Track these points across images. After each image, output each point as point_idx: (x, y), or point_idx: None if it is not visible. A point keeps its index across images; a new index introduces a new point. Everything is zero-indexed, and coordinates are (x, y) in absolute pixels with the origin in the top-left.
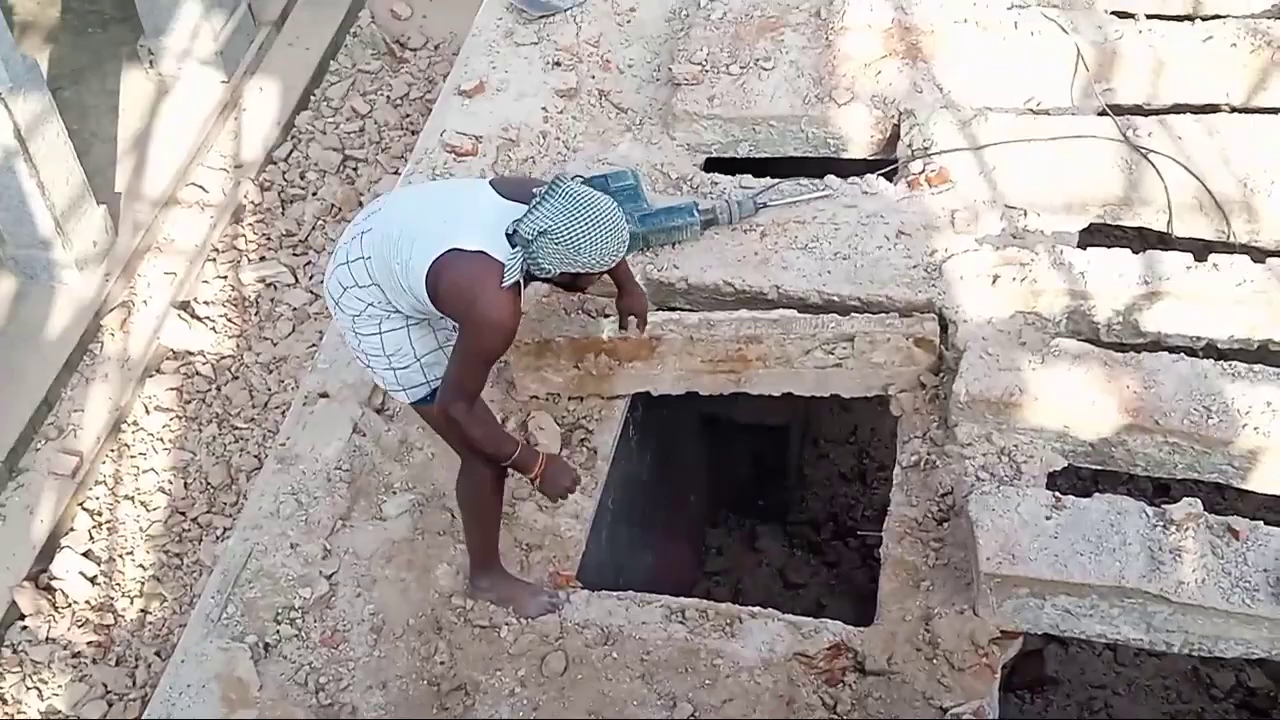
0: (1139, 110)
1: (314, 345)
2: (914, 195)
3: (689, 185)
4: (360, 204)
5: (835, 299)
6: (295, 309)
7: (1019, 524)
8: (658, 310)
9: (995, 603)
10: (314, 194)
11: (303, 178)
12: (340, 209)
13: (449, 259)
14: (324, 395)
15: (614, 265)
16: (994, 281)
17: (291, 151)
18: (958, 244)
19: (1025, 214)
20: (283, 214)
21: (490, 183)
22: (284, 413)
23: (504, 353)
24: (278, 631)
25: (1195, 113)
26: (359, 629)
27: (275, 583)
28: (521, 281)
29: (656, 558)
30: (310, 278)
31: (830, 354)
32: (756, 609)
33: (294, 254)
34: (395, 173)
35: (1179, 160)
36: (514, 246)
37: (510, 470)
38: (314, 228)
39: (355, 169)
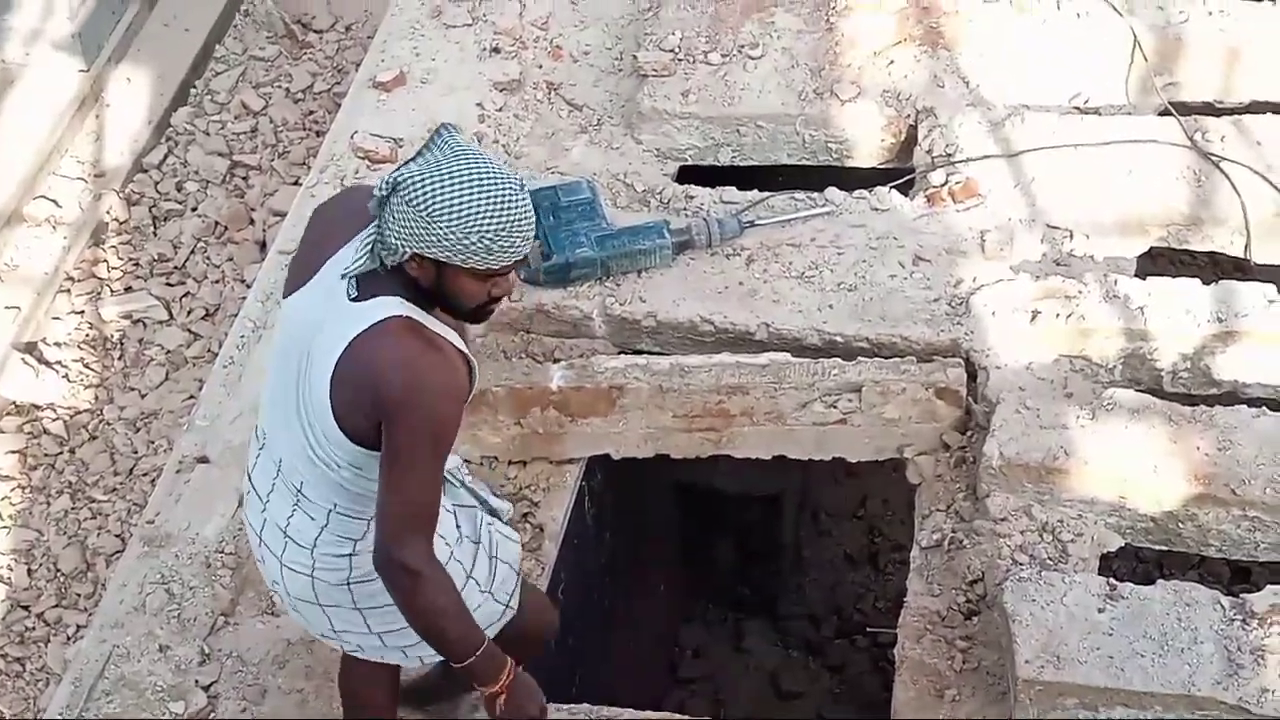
0: (1209, 109)
1: (191, 397)
2: (935, 212)
3: (658, 199)
4: (252, 221)
5: (838, 340)
6: (169, 352)
7: (1065, 618)
8: (619, 353)
9: (1037, 716)
10: (194, 209)
11: (180, 189)
12: (226, 228)
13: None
14: (203, 460)
15: (505, 264)
16: (1033, 319)
17: (166, 157)
18: (989, 272)
19: (1071, 236)
20: (155, 234)
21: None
22: (153, 481)
23: (451, 432)
24: None
25: (1278, 112)
26: None
27: (140, 695)
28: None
29: (618, 661)
30: (188, 313)
31: (832, 408)
32: None
33: (167, 284)
34: (295, 183)
35: (1258, 170)
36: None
37: (452, 677)
38: (193, 251)
39: (246, 178)
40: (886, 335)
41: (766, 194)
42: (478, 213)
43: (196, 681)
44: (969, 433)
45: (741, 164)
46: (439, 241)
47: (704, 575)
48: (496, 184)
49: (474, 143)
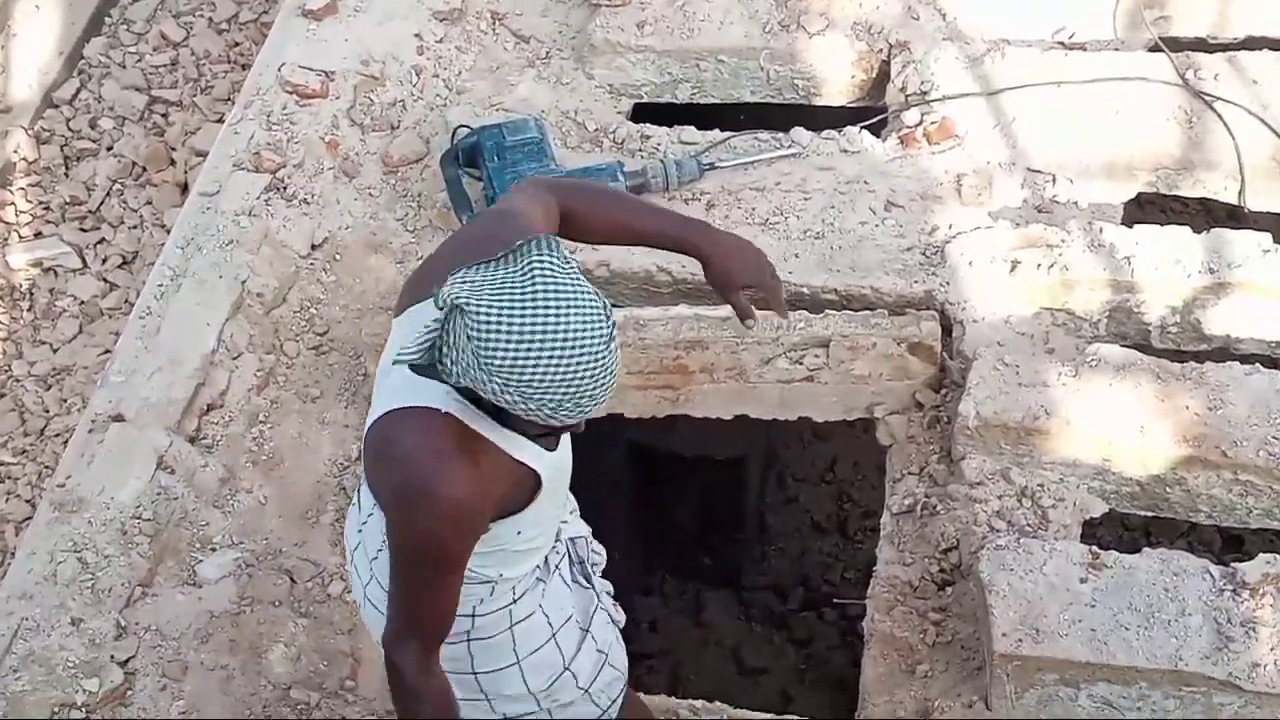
0: (1202, 45)
1: (107, 352)
2: (909, 155)
3: (611, 139)
4: (172, 161)
5: (805, 291)
6: (82, 303)
7: (1045, 589)
8: None
9: (1014, 693)
10: (109, 149)
11: (94, 127)
12: (145, 169)
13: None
14: (118, 419)
15: (570, 422)
16: (1013, 269)
17: (79, 92)
18: (966, 219)
19: (1054, 180)
20: (66, 175)
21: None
22: (65, 442)
23: (448, 554)
24: None
25: (1275, 48)
26: None
27: (50, 671)
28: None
29: None
30: (103, 261)
31: (798, 364)
32: (700, 703)
33: (81, 229)
34: (219, 120)
35: (1253, 110)
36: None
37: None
38: (109, 194)
39: (166, 115)
40: (856, 286)
41: (728, 134)
42: (545, 379)
43: (112, 657)
44: (943, 391)
45: (701, 101)
46: (497, 394)
47: (662, 544)
48: (574, 345)
49: (568, 263)
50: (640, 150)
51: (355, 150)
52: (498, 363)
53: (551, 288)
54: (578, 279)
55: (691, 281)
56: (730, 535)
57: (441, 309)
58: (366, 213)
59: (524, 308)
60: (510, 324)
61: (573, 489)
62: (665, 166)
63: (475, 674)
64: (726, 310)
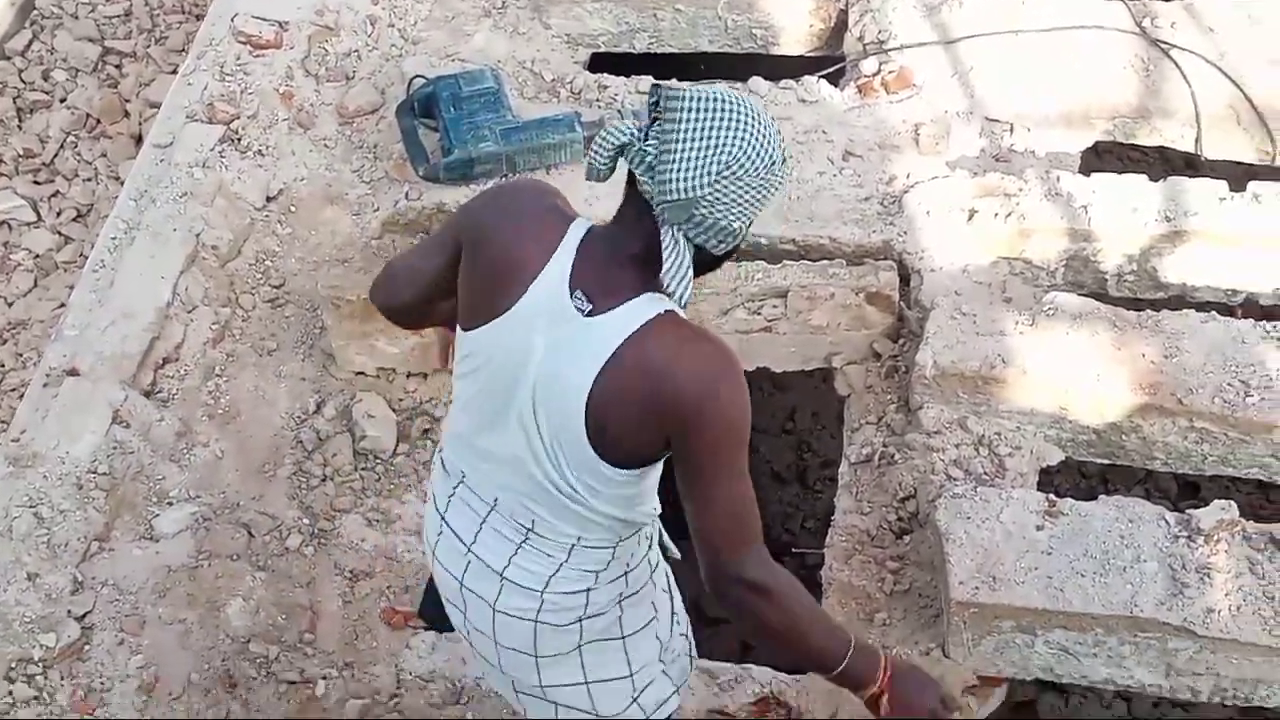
0: None
1: (61, 305)
2: (866, 104)
3: (569, 89)
4: (126, 113)
5: (763, 241)
6: (37, 257)
7: (1002, 537)
8: None
9: (971, 640)
10: (62, 100)
11: (47, 79)
12: (99, 121)
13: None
14: (72, 373)
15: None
16: (970, 218)
17: (31, 43)
18: (923, 169)
19: (1011, 129)
20: (19, 128)
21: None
22: (21, 396)
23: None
24: (10, 694)
25: None
26: (122, 688)
27: (7, 627)
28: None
29: None
30: (58, 214)
31: (756, 314)
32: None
33: (34, 182)
34: (173, 71)
35: (1210, 59)
36: (665, 243)
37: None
38: (62, 146)
39: (119, 66)
40: (814, 236)
41: (686, 84)
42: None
43: (69, 612)
44: (901, 341)
45: (659, 51)
46: (773, 193)
47: None
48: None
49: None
50: (598, 100)
51: (310, 101)
52: (775, 162)
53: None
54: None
55: None
56: None
57: (678, 197)
58: (322, 164)
59: (725, 113)
60: (745, 129)
61: None
62: (622, 117)
63: (624, 638)
64: None
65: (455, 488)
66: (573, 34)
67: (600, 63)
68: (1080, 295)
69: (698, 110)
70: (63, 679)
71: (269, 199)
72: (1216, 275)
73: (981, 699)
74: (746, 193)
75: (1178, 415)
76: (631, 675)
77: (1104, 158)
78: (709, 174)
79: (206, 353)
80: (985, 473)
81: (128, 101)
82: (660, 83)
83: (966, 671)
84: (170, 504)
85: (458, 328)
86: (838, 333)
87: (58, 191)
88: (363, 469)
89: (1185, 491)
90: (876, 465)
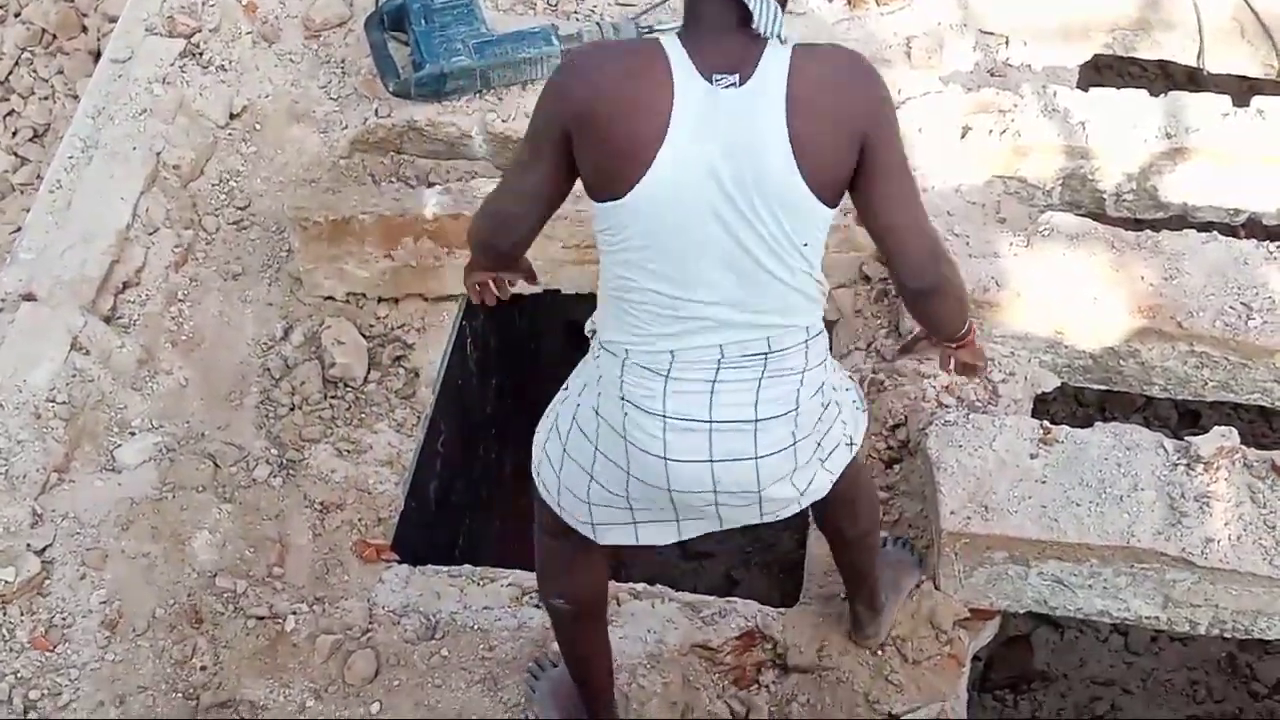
0: None
1: (18, 230)
2: (856, 16)
3: (546, 2)
4: (84, 28)
5: None
6: None
7: (995, 465)
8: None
9: (962, 572)
10: (17, 15)
11: None
12: (55, 36)
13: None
14: (28, 298)
15: None
16: (964, 135)
17: None
18: (915, 83)
19: (1006, 42)
20: None
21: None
22: None
23: None
24: None
25: None
26: (84, 624)
27: None
28: None
29: (505, 520)
30: (13, 134)
31: None
32: (642, 586)
33: None
34: None
35: None
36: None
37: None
38: (17, 63)
39: None
40: None
41: None
42: None
43: (28, 545)
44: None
45: None
46: None
47: None
48: None
49: None
50: (575, 13)
51: (274, 13)
52: None
53: None
54: None
55: None
56: None
57: None
58: (287, 80)
59: None
60: None
61: (510, 368)
62: (602, 30)
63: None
64: None
65: (668, 376)
66: None
67: None
68: (1077, 215)
69: None
70: (22, 614)
71: (232, 116)
72: (1219, 194)
73: (973, 632)
74: None
75: (1177, 339)
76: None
77: (1103, 72)
78: None
79: (169, 277)
80: (978, 400)
81: (85, 16)
82: None
83: (957, 604)
84: (132, 434)
85: (597, 206)
86: (826, 255)
87: (13, 110)
88: (332, 398)
89: (1185, 419)
90: (866, 392)
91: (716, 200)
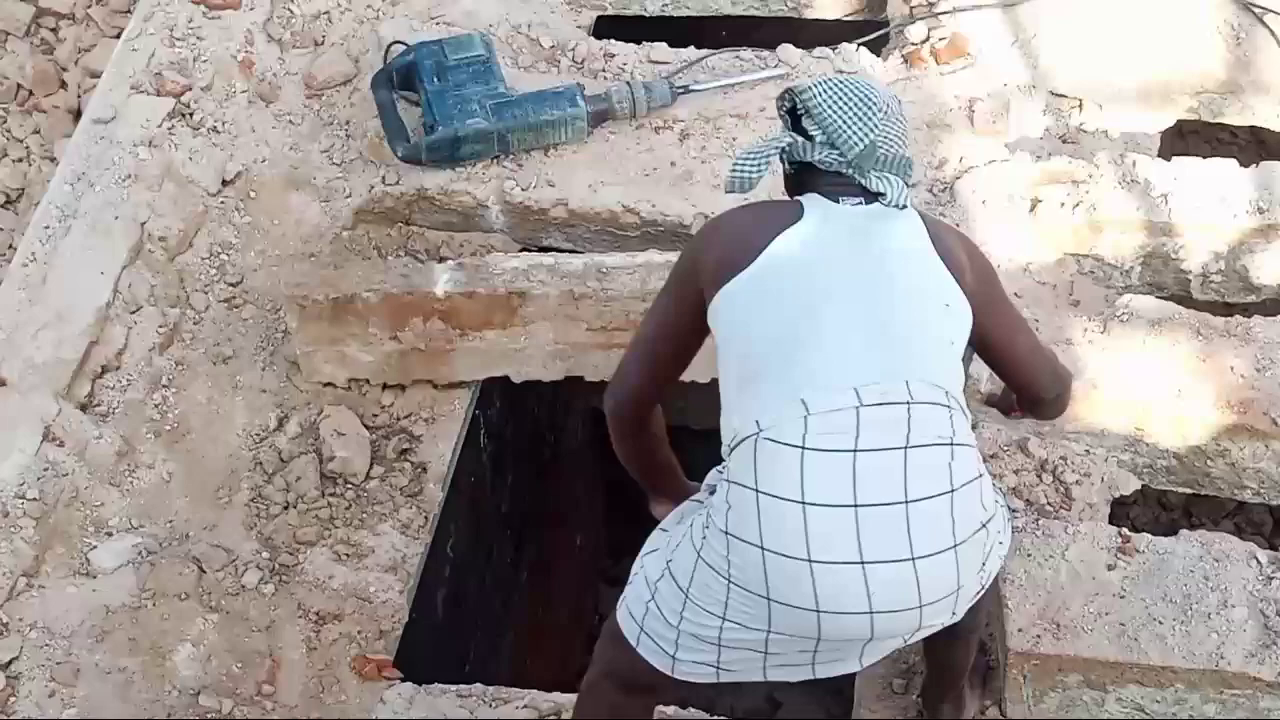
0: None
1: None
2: (914, 76)
3: (570, 58)
4: (63, 83)
5: None
6: None
7: (1067, 578)
8: (521, 250)
9: (1032, 697)
10: None
11: None
12: (31, 92)
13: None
14: None
15: None
16: (1033, 208)
17: None
18: (979, 151)
19: (1080, 105)
20: None
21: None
22: None
23: None
24: None
25: None
26: None
27: None
28: None
29: (523, 633)
30: None
31: None
32: (673, 710)
33: None
34: (116, 35)
35: None
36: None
37: None
38: None
39: (56, 30)
40: None
41: (705, 52)
42: None
43: None
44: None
45: (675, 14)
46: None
47: (632, 529)
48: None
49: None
50: (603, 71)
51: (272, 70)
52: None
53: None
54: None
55: (663, 223)
56: None
57: (863, 144)
58: (286, 143)
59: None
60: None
61: (529, 463)
62: (632, 90)
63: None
64: None
65: (854, 462)
66: None
67: (606, 27)
68: (1159, 298)
69: (829, 87)
70: None
71: (225, 183)
72: None
73: None
74: (899, 124)
75: (1272, 438)
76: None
77: (1188, 139)
78: (874, 118)
79: (152, 360)
80: (1049, 503)
81: (65, 70)
82: (789, 88)
83: None
84: (109, 535)
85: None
86: None
87: None
88: (331, 495)
89: None
90: None
91: (877, 300)
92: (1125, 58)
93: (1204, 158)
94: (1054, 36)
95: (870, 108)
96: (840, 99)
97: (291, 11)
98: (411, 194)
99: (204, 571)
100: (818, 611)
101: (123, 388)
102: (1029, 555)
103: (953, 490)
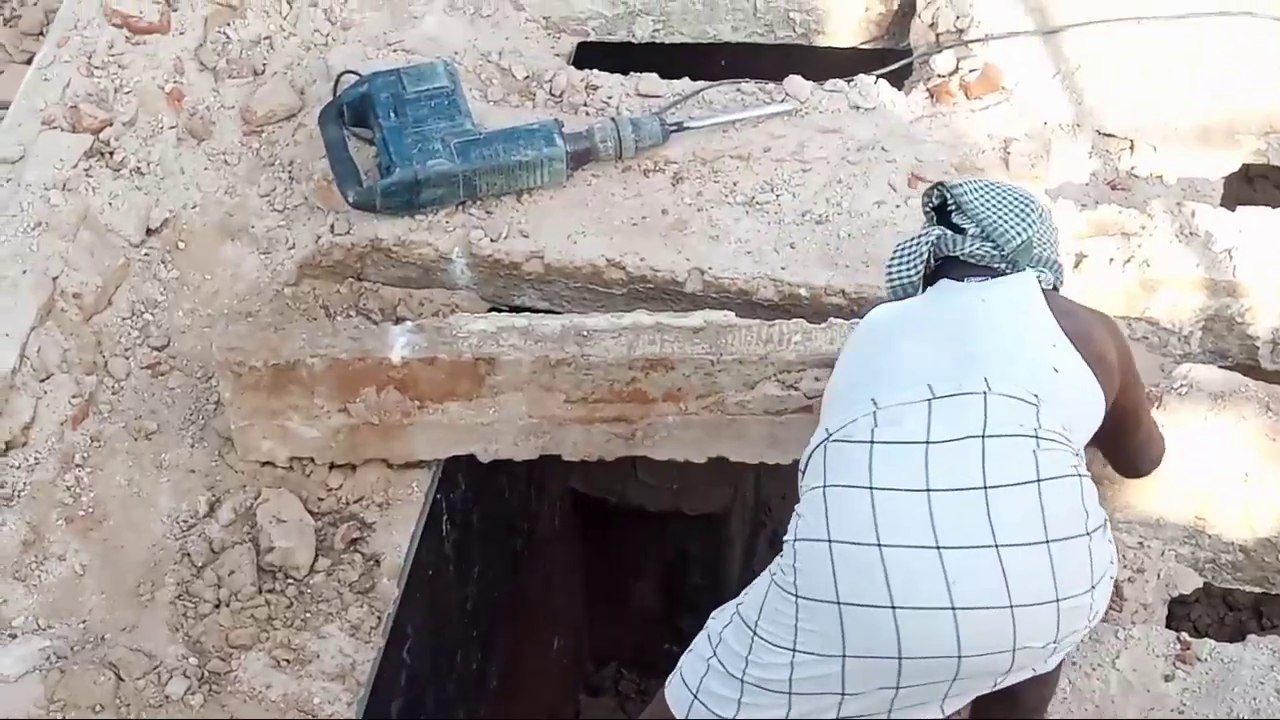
0: None
1: None
2: (940, 113)
3: (547, 91)
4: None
5: (802, 293)
6: None
7: (1118, 689)
8: (490, 310)
9: None
10: None
11: None
12: None
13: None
14: None
15: None
16: (1078, 264)
17: None
18: None
19: (1131, 147)
20: None
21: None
22: None
23: None
24: None
25: None
26: None
27: None
28: None
29: None
30: None
31: (793, 389)
32: None
33: None
34: (26, 62)
35: None
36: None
37: None
38: None
39: None
40: (870, 287)
41: (702, 84)
42: None
43: None
44: None
45: (667, 40)
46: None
47: (616, 628)
48: None
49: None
50: (585, 105)
51: (204, 103)
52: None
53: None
54: None
55: (653, 279)
56: (705, 616)
57: (1019, 241)
58: (220, 186)
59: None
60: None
61: (498, 554)
62: (618, 127)
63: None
64: (699, 319)
65: (926, 451)
66: (553, 17)
67: (589, 56)
68: (1223, 368)
69: (983, 184)
70: None
71: (150, 231)
72: None
73: None
74: (1054, 231)
75: None
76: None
77: (1255, 185)
78: (1031, 216)
79: (64, 435)
80: None
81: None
82: (940, 183)
83: None
84: (13, 636)
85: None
86: None
87: None
88: (269, 592)
89: None
90: None
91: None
92: (1183, 92)
93: (1273, 206)
94: (1101, 68)
95: (1028, 207)
96: (996, 196)
97: (227, 36)
98: (364, 245)
99: (122, 679)
100: (893, 608)
101: (29, 467)
102: (1074, 663)
103: (1039, 480)
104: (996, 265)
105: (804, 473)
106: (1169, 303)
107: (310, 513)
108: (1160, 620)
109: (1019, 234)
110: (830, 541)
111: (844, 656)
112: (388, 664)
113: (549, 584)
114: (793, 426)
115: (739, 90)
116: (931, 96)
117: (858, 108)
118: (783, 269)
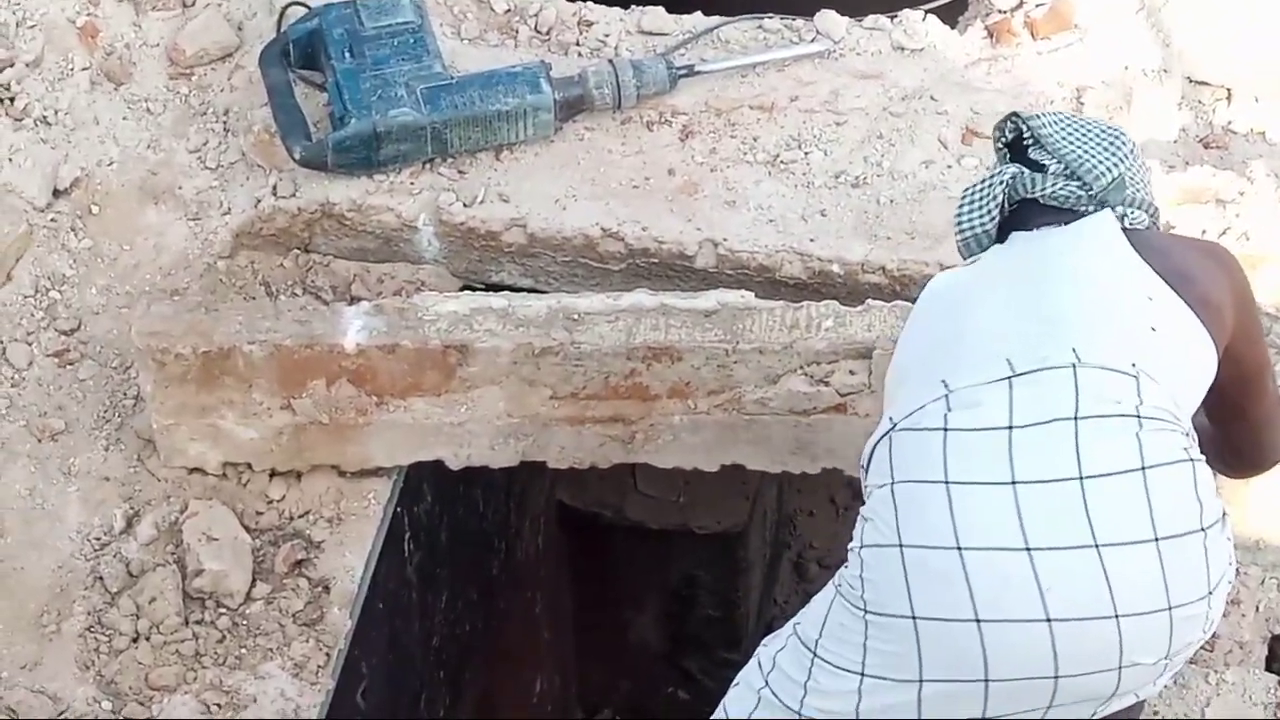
0: None
1: None
2: (1001, 55)
3: (532, 27)
4: None
5: (835, 269)
6: None
7: None
8: (463, 289)
9: None
10: None
11: None
12: None
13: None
14: None
15: None
16: None
17: None
18: None
19: (1229, 97)
20: None
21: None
22: None
23: None
24: None
25: None
26: None
27: None
28: None
29: None
30: None
31: (823, 384)
32: None
33: None
34: None
35: None
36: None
37: None
38: None
39: None
40: (915, 263)
41: (716, 20)
42: None
43: None
44: None
45: None
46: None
47: (610, 668)
48: None
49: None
50: (578, 45)
51: (124, 40)
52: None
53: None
54: None
55: (656, 252)
56: (716, 654)
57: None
58: (142, 140)
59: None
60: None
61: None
62: (617, 71)
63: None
64: (712, 300)
65: (1010, 437)
66: None
67: None
68: None
69: (1063, 117)
70: None
71: (58, 193)
72: None
73: None
74: (1146, 171)
75: None
76: None
77: None
78: (1122, 151)
79: None
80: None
81: None
82: (1014, 113)
83: None
84: None
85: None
86: None
87: None
88: (197, 623)
89: None
90: None
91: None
92: None
93: None
94: (1193, 2)
95: (1119, 139)
96: (1079, 128)
97: None
98: (313, 210)
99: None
100: (977, 621)
101: None
102: (1157, 711)
103: (1144, 467)
104: (1082, 208)
105: (866, 470)
106: (1273, 283)
107: (247, 529)
108: (1259, 662)
109: (1110, 169)
110: (901, 546)
111: (920, 681)
112: (338, 710)
113: (531, 615)
114: (822, 429)
115: (761, 27)
116: (991, 36)
117: (902, 49)
118: (811, 241)
